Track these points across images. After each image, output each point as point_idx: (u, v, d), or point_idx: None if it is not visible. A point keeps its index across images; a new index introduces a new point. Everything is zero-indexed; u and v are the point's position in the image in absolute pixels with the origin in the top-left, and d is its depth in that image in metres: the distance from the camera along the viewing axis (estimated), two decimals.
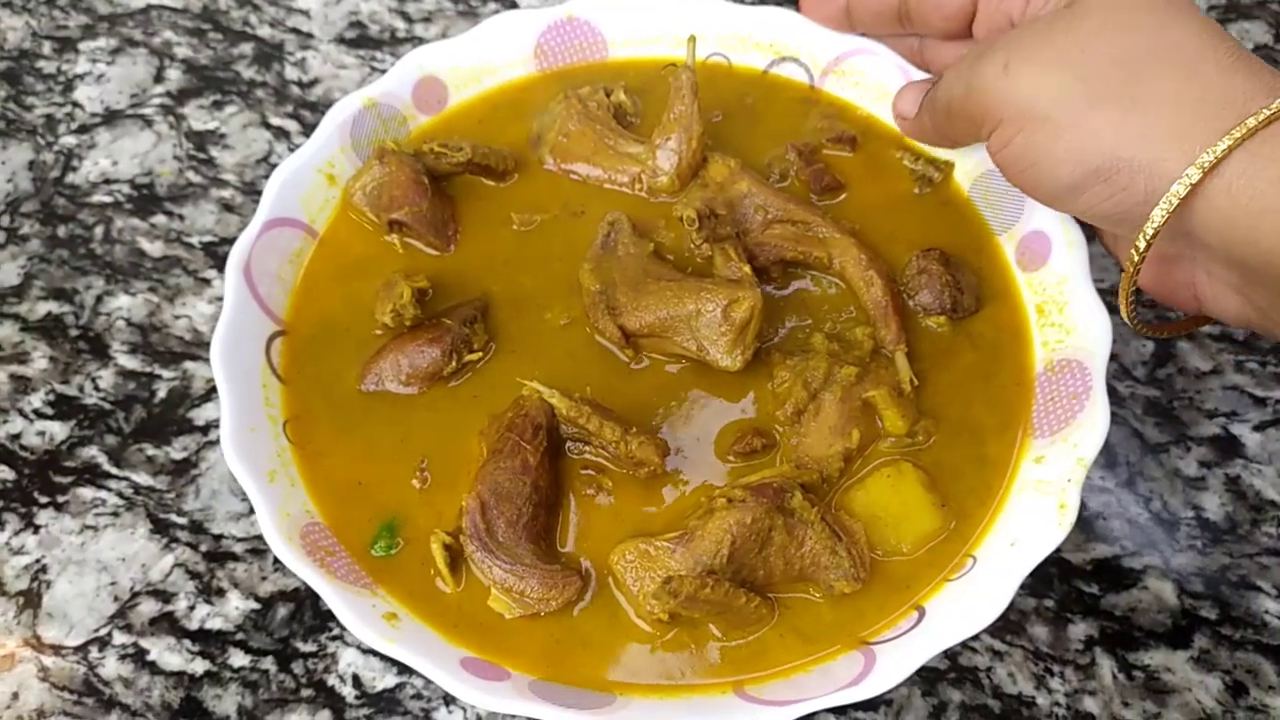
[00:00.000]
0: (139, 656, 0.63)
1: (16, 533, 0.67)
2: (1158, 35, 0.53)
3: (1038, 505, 0.58)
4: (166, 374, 0.74)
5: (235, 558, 0.67)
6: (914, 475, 0.60)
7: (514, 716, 0.60)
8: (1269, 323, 0.56)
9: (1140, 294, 0.61)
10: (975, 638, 0.63)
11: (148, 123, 0.86)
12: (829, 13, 0.73)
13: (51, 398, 0.73)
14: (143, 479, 0.69)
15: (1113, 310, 0.63)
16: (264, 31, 0.92)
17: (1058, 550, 0.65)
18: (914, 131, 0.70)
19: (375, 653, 0.63)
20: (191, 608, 0.65)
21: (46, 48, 0.91)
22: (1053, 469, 0.59)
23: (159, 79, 0.89)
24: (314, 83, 0.89)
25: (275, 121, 0.87)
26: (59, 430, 0.71)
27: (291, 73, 0.90)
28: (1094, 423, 0.58)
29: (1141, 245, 0.53)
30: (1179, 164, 0.50)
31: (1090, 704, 0.62)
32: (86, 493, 0.69)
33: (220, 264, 0.78)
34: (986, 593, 0.55)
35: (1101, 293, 0.64)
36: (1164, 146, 0.51)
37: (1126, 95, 0.52)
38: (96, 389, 0.73)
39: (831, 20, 0.74)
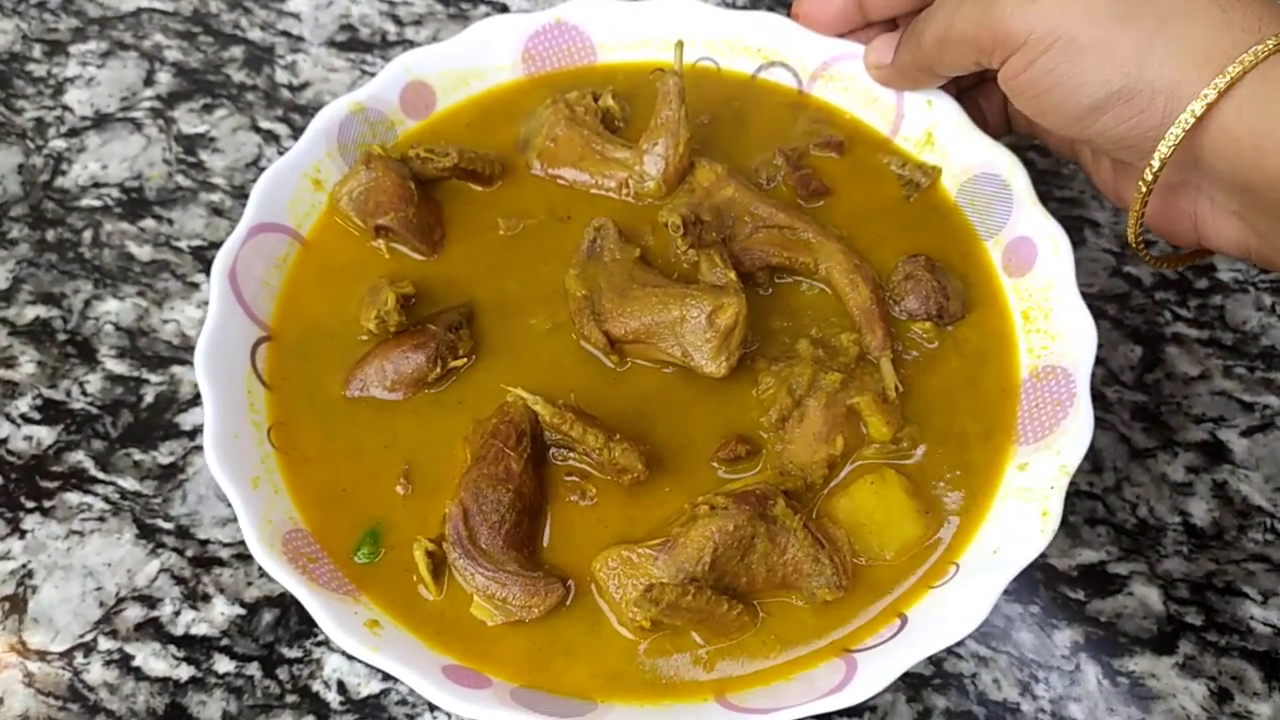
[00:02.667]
0: (124, 662, 0.63)
1: (3, 538, 0.67)
2: None
3: (1021, 512, 0.58)
4: (154, 379, 0.74)
5: (221, 563, 0.67)
6: (898, 482, 0.60)
7: None
8: (1268, 249, 0.57)
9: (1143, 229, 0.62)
10: (960, 644, 0.63)
11: (137, 126, 0.86)
12: (830, 14, 0.73)
13: (39, 402, 0.73)
14: (129, 484, 0.69)
15: (1097, 316, 0.63)
16: (254, 35, 0.92)
17: (1043, 556, 0.65)
18: (891, 76, 0.71)
19: (360, 659, 0.63)
20: (177, 613, 0.65)
21: (36, 51, 0.91)
22: (1036, 476, 0.59)
23: (149, 82, 0.89)
24: (304, 86, 0.89)
25: (265, 125, 0.87)
26: (46, 435, 0.71)
27: (282, 76, 0.90)
28: (1078, 430, 0.58)
29: (1156, 164, 0.55)
30: (1198, 86, 0.52)
31: (1075, 710, 0.62)
32: (73, 498, 0.69)
33: (209, 268, 0.78)
34: (968, 600, 0.55)
35: (1087, 297, 0.64)
36: (1187, 69, 0.52)
37: (1154, 14, 0.53)
38: (84, 393, 0.73)
39: (833, 19, 0.73)
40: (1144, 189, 0.57)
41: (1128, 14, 0.54)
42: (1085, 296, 0.63)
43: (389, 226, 0.68)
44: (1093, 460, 0.70)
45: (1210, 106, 0.52)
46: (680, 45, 0.70)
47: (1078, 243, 0.79)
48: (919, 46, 0.66)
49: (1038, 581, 0.66)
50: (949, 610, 0.55)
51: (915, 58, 0.67)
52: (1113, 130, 0.56)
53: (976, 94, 0.73)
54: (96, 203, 0.82)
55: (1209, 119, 0.52)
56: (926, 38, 0.65)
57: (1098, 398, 0.72)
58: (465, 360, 0.64)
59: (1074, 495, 0.68)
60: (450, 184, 0.72)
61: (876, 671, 0.53)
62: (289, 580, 0.54)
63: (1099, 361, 0.74)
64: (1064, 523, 0.67)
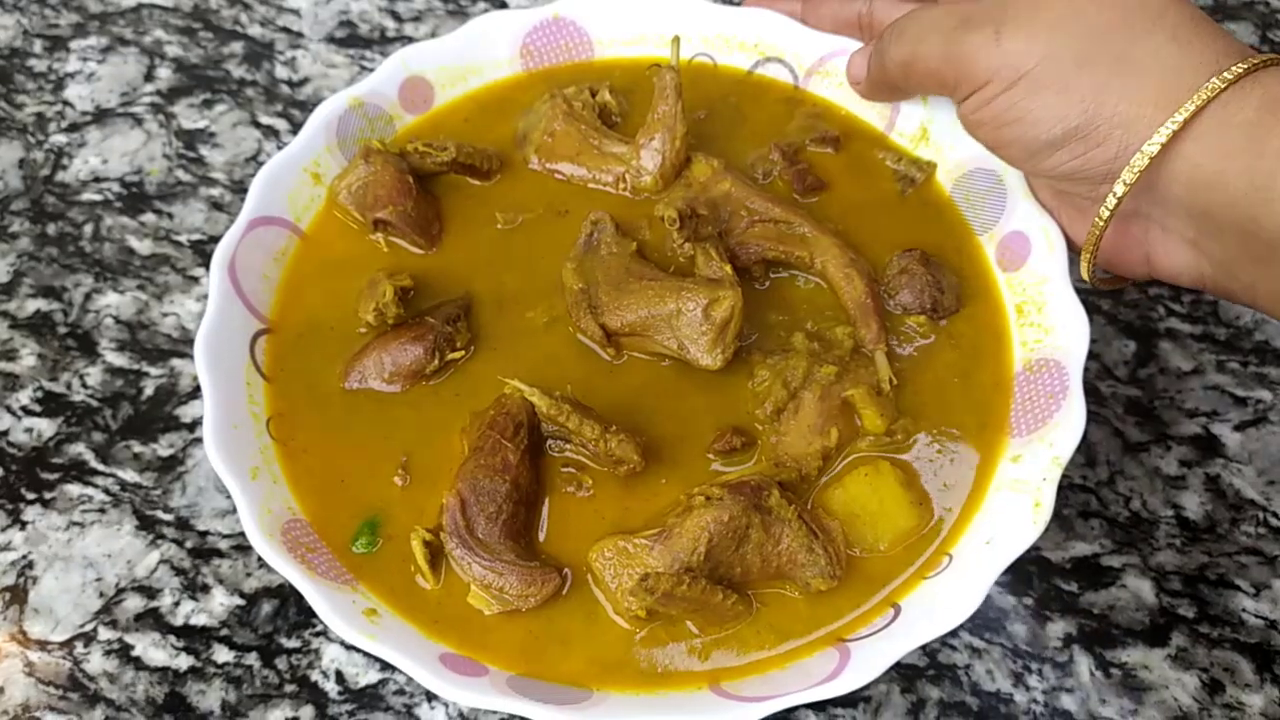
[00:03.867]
0: (124, 652, 0.64)
1: (3, 529, 0.68)
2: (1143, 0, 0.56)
3: (1014, 504, 0.58)
4: (154, 371, 0.74)
5: (220, 554, 0.67)
6: (892, 474, 0.60)
7: (495, 712, 0.61)
8: (1223, 277, 0.58)
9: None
10: (954, 635, 0.64)
11: (138, 121, 0.87)
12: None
13: (39, 395, 0.73)
14: (129, 476, 0.70)
15: (1091, 311, 0.64)
16: (254, 30, 0.93)
17: (1037, 548, 0.66)
18: (865, 92, 0.73)
19: (358, 649, 0.63)
20: (176, 604, 0.65)
21: (37, 46, 0.92)
22: (1029, 468, 0.59)
23: (149, 78, 0.90)
24: (304, 82, 0.89)
25: (265, 120, 0.87)
26: (46, 427, 0.72)
27: (281, 72, 0.90)
28: (1071, 422, 0.59)
29: (1118, 193, 0.56)
30: (1157, 120, 0.54)
31: (1068, 701, 0.62)
32: (73, 489, 0.69)
33: (209, 262, 0.78)
34: (961, 590, 0.55)
35: (1081, 293, 0.64)
36: (1145, 104, 0.54)
37: (1115, 57, 0.55)
38: (84, 386, 0.74)
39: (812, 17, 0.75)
40: (1102, 222, 0.58)
41: (1088, 54, 0.56)
42: (1079, 292, 0.64)
43: (387, 220, 0.68)
44: (1086, 454, 0.70)
45: (1173, 136, 0.53)
46: (677, 41, 0.70)
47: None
48: (884, 70, 0.68)
49: (1031, 574, 0.66)
50: (942, 600, 0.55)
51: (882, 79, 0.69)
52: (1066, 165, 0.58)
53: None
54: (97, 197, 0.83)
55: (1168, 149, 0.54)
56: (892, 63, 0.66)
57: (1092, 392, 0.72)
58: (463, 353, 0.65)
59: (1068, 488, 0.69)
60: (448, 178, 0.72)
61: (870, 660, 0.53)
62: (288, 569, 0.55)
63: (1093, 356, 0.74)
64: (1057, 516, 0.68)
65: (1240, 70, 0.53)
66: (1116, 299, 0.77)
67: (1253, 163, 0.52)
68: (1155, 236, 0.61)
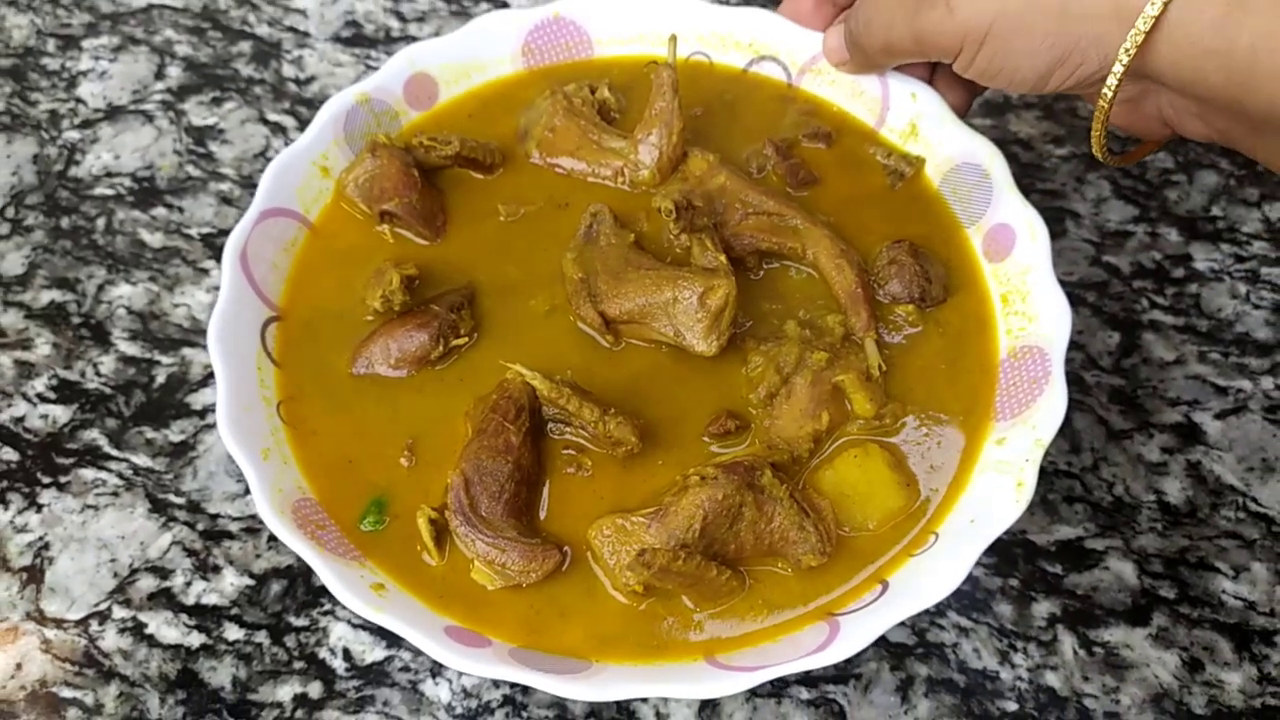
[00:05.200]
0: (138, 630, 0.65)
1: (20, 511, 0.70)
2: None
3: (997, 484, 0.60)
4: (165, 360, 0.76)
5: (231, 536, 0.69)
6: (880, 456, 0.62)
7: (496, 685, 0.63)
8: (1230, 140, 0.63)
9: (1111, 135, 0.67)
10: (942, 614, 0.66)
11: (149, 118, 0.89)
12: (802, 9, 0.76)
13: (54, 382, 0.75)
14: (142, 460, 0.72)
15: (1076, 303, 0.65)
16: (262, 30, 0.95)
17: (1023, 531, 0.68)
18: (851, 69, 0.75)
19: (365, 627, 0.65)
20: (188, 584, 0.67)
21: (51, 45, 0.94)
22: (1012, 450, 0.61)
23: (160, 76, 0.92)
24: (310, 80, 0.92)
25: (272, 117, 0.89)
26: (61, 414, 0.74)
27: (289, 70, 0.92)
28: (1052, 406, 0.60)
29: (1104, 104, 0.60)
30: (1121, 33, 0.56)
31: (1052, 678, 0.64)
32: (88, 473, 0.71)
33: (218, 255, 0.81)
34: (947, 567, 0.57)
35: (1067, 285, 0.66)
36: (1105, 21, 0.57)
37: None
38: (98, 374, 0.76)
39: (804, 16, 0.76)
40: (1101, 115, 0.62)
41: None
42: (1065, 284, 0.66)
43: (393, 212, 0.70)
44: (1071, 441, 0.72)
45: (1141, 46, 0.56)
46: (674, 39, 0.72)
47: (1059, 233, 0.82)
48: (866, 56, 0.71)
49: (1017, 556, 0.68)
50: (928, 576, 0.57)
51: (866, 62, 0.72)
52: (1065, 84, 0.61)
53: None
54: (109, 191, 0.85)
55: (1145, 52, 0.56)
56: (871, 50, 0.70)
57: (1077, 381, 0.74)
58: (466, 339, 0.66)
59: (1053, 474, 0.71)
60: (452, 172, 0.74)
61: (859, 633, 0.55)
62: (298, 545, 0.56)
63: (1078, 347, 0.76)
64: (1043, 500, 0.70)
65: None
66: (1102, 292, 0.79)
67: (1226, 60, 0.54)
68: (1167, 110, 0.64)
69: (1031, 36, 0.59)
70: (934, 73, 0.74)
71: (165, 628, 0.66)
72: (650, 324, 0.65)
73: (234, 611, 0.66)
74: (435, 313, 0.65)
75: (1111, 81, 0.59)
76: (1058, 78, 0.61)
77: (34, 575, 0.67)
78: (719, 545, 0.58)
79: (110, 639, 0.65)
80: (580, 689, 0.53)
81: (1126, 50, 0.56)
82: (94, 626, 0.66)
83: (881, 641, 0.65)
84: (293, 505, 0.59)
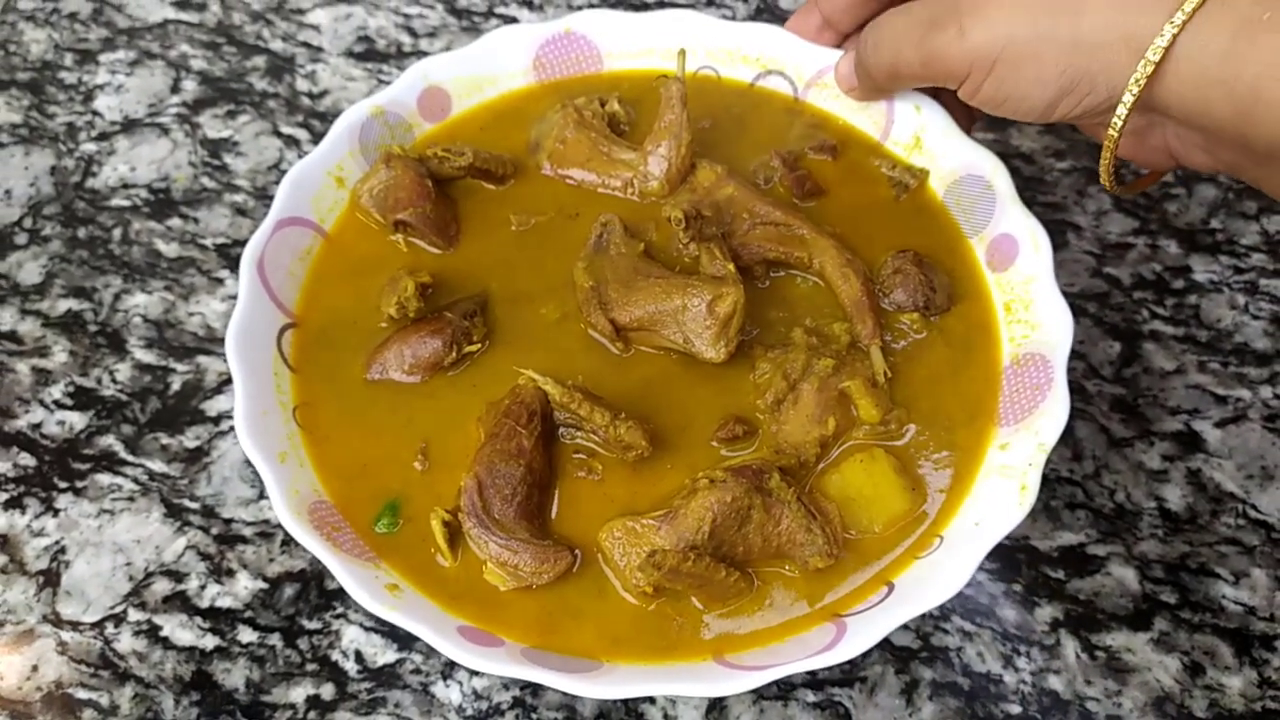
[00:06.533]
0: (152, 632, 0.66)
1: (37, 516, 0.71)
2: None
3: (1001, 488, 0.61)
4: (180, 368, 0.77)
5: (244, 540, 0.70)
6: (886, 460, 0.63)
7: (506, 687, 0.64)
8: (1234, 172, 0.64)
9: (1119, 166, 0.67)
10: (946, 618, 0.66)
11: (164, 131, 0.90)
12: (811, 30, 0.78)
13: (71, 389, 0.76)
14: (157, 466, 0.73)
15: (1078, 314, 0.66)
16: (276, 45, 0.96)
17: (1026, 537, 0.69)
18: (858, 95, 0.76)
19: (377, 630, 0.66)
20: (203, 587, 0.68)
21: (68, 59, 0.95)
22: (1016, 454, 0.62)
23: (175, 89, 0.93)
24: (323, 94, 0.93)
25: (286, 130, 0.90)
26: (78, 420, 0.75)
27: (302, 84, 0.94)
28: (1055, 411, 0.61)
29: (1114, 134, 0.60)
30: (1131, 63, 0.57)
31: (1055, 682, 0.65)
32: (104, 479, 0.72)
33: (232, 265, 0.82)
34: (952, 569, 0.57)
35: (1069, 296, 0.67)
36: (1114, 51, 0.57)
37: (1069, 12, 0.58)
38: (114, 381, 0.77)
39: (809, 35, 0.78)
40: (1110, 146, 0.62)
41: (1046, 23, 0.59)
42: (1067, 295, 0.66)
43: (407, 221, 0.71)
44: (1073, 448, 0.73)
45: (1150, 78, 0.56)
46: (683, 54, 0.73)
47: (1060, 245, 0.83)
48: (873, 80, 0.71)
49: (1020, 561, 0.69)
50: (933, 578, 0.58)
51: (873, 86, 0.73)
52: (1072, 113, 0.61)
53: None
54: (125, 202, 0.86)
55: (1153, 83, 0.57)
56: (878, 74, 0.70)
57: (1078, 390, 0.75)
58: (479, 346, 0.67)
59: (1055, 481, 0.72)
60: (465, 183, 0.75)
61: (865, 633, 0.55)
62: (315, 546, 0.57)
63: (1080, 356, 0.77)
64: (1045, 507, 0.70)
65: (1196, 2, 0.54)
66: (1103, 303, 0.80)
67: (1232, 91, 0.54)
68: (1173, 142, 0.65)
69: (1042, 64, 0.59)
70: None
71: (180, 630, 0.66)
72: (660, 331, 0.66)
73: (248, 614, 0.67)
74: (449, 320, 0.67)
75: (1121, 111, 0.59)
76: (1064, 107, 0.61)
77: (50, 579, 0.68)
78: (728, 547, 0.59)
79: (125, 641, 0.66)
80: (592, 687, 0.54)
81: (1137, 80, 0.57)
82: (109, 629, 0.66)
83: (886, 645, 0.65)
84: (309, 508, 0.60)
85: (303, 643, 0.66)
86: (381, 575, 0.59)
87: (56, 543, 0.70)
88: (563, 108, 0.77)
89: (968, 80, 0.63)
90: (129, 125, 0.91)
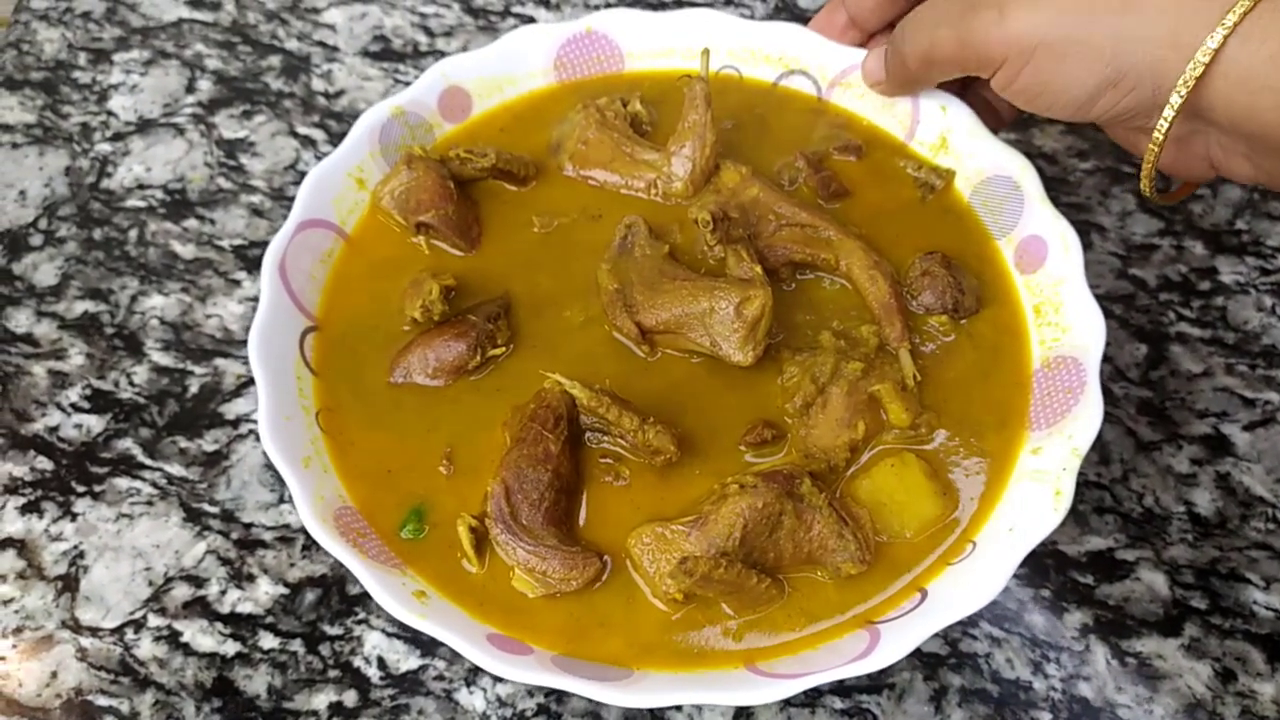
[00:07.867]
0: (173, 638, 0.66)
1: (55, 520, 0.70)
2: None
3: (1034, 493, 0.60)
4: (198, 370, 0.77)
5: (265, 545, 0.69)
6: (917, 465, 0.62)
7: (531, 694, 0.63)
8: (1276, 183, 0.62)
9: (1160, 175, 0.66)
10: (974, 624, 0.66)
11: (180, 131, 0.90)
12: (836, 29, 0.77)
13: (88, 392, 0.75)
14: (176, 470, 0.72)
15: (1105, 315, 0.66)
16: (291, 45, 0.96)
17: (1054, 542, 0.68)
18: (887, 89, 0.75)
19: (400, 636, 0.65)
20: (223, 592, 0.67)
21: (82, 59, 0.95)
22: (1049, 459, 0.61)
23: (190, 89, 0.93)
24: (339, 94, 0.92)
25: (302, 130, 0.90)
26: (95, 423, 0.74)
27: (318, 84, 0.93)
28: (1088, 415, 0.61)
29: (1159, 137, 0.59)
30: (1179, 61, 0.55)
31: (1085, 689, 0.64)
32: (122, 483, 0.72)
33: (249, 266, 0.81)
34: (986, 575, 0.57)
35: (1096, 297, 0.66)
36: (1163, 48, 0.56)
37: (1117, 7, 0.57)
38: (131, 384, 0.76)
39: (834, 35, 0.77)
40: (1152, 156, 0.61)
41: (1092, 10, 0.57)
42: (1096, 298, 0.66)
43: (429, 223, 0.71)
44: (1101, 452, 0.73)
45: (1199, 79, 0.55)
46: (706, 53, 0.72)
47: (1085, 246, 0.81)
48: (904, 66, 0.70)
49: (1049, 567, 0.68)
50: (967, 584, 0.57)
51: (903, 74, 0.72)
52: (1111, 112, 0.60)
53: (979, 85, 0.75)
54: (141, 203, 0.85)
55: (1200, 88, 0.56)
56: (911, 58, 0.68)
57: (1105, 393, 0.73)
58: (503, 349, 0.67)
59: (1083, 485, 0.71)
60: (487, 184, 0.75)
61: (899, 641, 0.55)
62: (341, 553, 0.57)
63: (1106, 359, 0.76)
64: (1074, 511, 0.69)
65: (1248, 4, 0.53)
66: (1129, 305, 0.80)
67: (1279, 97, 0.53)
68: (1215, 151, 0.63)
69: (1085, 56, 0.58)
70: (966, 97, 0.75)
71: (200, 636, 0.66)
72: (686, 334, 0.65)
73: (269, 620, 0.66)
74: (472, 323, 0.66)
75: (1168, 113, 0.57)
76: (1104, 103, 0.59)
77: (69, 584, 0.68)
78: (758, 553, 0.58)
79: (145, 647, 0.65)
80: (625, 696, 0.53)
81: (1185, 82, 0.55)
82: (129, 635, 0.66)
83: (915, 651, 0.64)
84: (334, 514, 0.59)
85: (324, 649, 0.65)
86: (409, 582, 0.58)
87: (75, 547, 0.69)
88: (584, 108, 0.76)
89: (1004, 68, 0.62)
90: (144, 125, 0.90)
